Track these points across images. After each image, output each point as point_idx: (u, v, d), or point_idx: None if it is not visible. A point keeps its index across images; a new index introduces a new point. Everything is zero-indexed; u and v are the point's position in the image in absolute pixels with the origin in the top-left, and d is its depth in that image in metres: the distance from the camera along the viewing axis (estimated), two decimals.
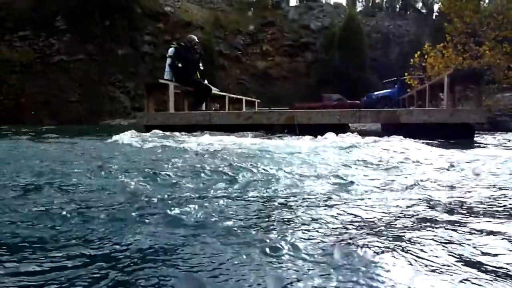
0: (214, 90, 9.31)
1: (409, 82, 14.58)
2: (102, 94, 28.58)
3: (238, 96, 12.17)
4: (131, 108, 28.56)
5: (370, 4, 48.21)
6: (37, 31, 29.42)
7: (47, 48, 29.41)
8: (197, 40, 8.71)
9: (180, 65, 7.97)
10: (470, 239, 1.31)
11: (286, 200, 1.83)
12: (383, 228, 1.44)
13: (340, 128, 6.36)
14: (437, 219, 1.56)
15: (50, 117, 26.71)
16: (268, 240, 1.24)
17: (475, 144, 5.34)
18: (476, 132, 6.57)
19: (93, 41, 29.66)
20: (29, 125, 17.54)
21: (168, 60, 8.20)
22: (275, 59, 35.07)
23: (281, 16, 37.83)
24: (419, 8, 45.03)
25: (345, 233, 1.37)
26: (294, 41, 35.69)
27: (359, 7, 47.68)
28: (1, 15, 28.97)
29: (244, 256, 1.11)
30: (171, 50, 8.30)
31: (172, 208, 1.57)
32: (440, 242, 1.27)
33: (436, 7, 38.90)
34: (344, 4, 45.75)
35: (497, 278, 1.02)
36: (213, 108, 10.45)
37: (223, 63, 32.92)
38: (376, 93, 18.87)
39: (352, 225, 1.48)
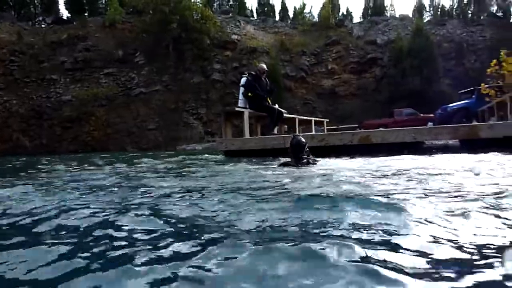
0: (285, 114, 9.68)
1: (485, 92, 13.73)
2: (178, 121, 30.50)
3: (308, 118, 12.41)
4: (204, 133, 30.07)
5: (439, 13, 46.36)
6: (120, 68, 32.55)
7: (128, 82, 32.33)
8: (266, 69, 9.18)
9: (251, 94, 8.48)
10: None
11: None
12: None
13: (415, 147, 6.34)
14: None
15: (132, 144, 29.12)
16: None
17: None
18: None
19: (168, 72, 32.06)
20: (116, 152, 19.26)
21: (241, 89, 8.74)
22: (342, 77, 34.86)
23: (346, 34, 37.75)
24: (494, 12, 42.33)
25: None
26: (360, 57, 35.30)
27: (426, 17, 46.07)
28: (90, 56, 32.60)
29: None
30: (243, 80, 8.85)
31: None
32: None
33: None
34: (411, 15, 44.50)
35: None
36: (283, 131, 10.80)
37: (289, 85, 33.48)
38: (451, 105, 17.94)
39: None
